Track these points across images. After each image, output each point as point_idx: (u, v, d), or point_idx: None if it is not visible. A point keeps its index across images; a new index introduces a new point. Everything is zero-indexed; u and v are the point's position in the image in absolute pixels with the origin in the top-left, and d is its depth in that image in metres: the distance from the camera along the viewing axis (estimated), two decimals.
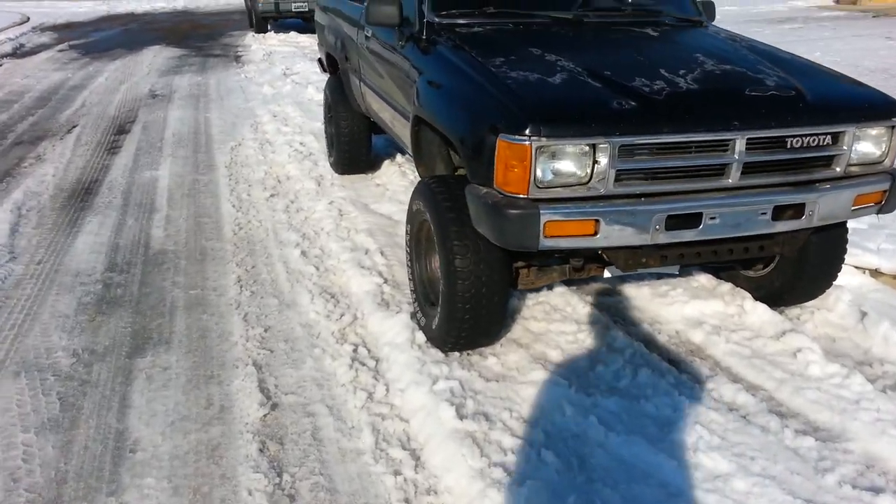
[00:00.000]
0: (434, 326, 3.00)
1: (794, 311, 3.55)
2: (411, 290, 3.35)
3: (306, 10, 15.48)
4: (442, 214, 2.79)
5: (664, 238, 2.53)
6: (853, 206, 2.77)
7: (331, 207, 4.89)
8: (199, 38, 15.72)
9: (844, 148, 2.67)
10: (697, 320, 3.41)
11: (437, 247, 2.85)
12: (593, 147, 2.40)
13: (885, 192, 2.81)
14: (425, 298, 3.21)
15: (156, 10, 23.43)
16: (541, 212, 2.38)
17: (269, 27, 15.79)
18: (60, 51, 13.82)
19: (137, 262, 4.17)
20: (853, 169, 2.74)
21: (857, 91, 2.84)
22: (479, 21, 3.36)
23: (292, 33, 15.30)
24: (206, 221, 4.78)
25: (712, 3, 3.86)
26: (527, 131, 2.35)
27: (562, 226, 2.42)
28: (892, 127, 2.73)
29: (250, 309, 3.58)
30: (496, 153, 2.43)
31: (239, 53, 13.21)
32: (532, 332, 3.28)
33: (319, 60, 6.52)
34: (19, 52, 13.55)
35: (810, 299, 3.51)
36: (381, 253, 4.13)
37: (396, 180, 5.43)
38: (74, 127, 7.59)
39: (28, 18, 19.25)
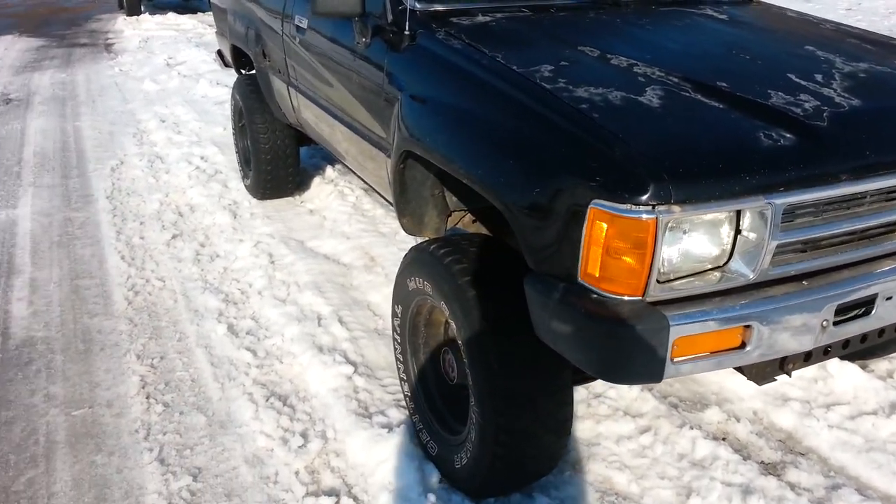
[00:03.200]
0: (461, 465, 2.01)
1: (881, 365, 2.81)
2: (406, 397, 2.35)
3: None
4: (473, 310, 1.80)
5: (830, 337, 1.66)
6: None
7: (257, 251, 3.76)
8: (60, 25, 13.65)
9: None
10: (778, 393, 2.60)
11: (466, 357, 1.86)
12: (737, 213, 1.48)
13: None
14: (434, 413, 2.22)
15: None
16: (671, 324, 1.44)
17: (142, 8, 13.93)
18: None
19: None
20: None
21: None
22: (481, 7, 2.35)
23: (171, 14, 13.53)
24: (87, 286, 3.53)
25: None
26: (647, 195, 1.39)
27: (697, 341, 1.50)
28: None
29: (166, 438, 2.45)
30: (585, 230, 1.46)
31: (110, 41, 11.44)
32: (581, 441, 2.36)
33: (219, 53, 5.28)
34: None
35: None
36: (340, 321, 3.07)
37: (334, 204, 4.34)
38: None
39: None
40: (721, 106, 1.65)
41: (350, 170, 4.68)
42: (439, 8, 2.38)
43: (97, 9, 16.07)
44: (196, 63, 8.74)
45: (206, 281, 3.52)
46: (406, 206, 2.40)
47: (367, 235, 3.89)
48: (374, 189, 3.16)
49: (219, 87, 7.42)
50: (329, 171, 4.85)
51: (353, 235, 3.90)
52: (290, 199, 4.50)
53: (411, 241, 3.74)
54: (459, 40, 2.11)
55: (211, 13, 14.23)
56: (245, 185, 4.58)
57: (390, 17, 2.43)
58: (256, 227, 4.09)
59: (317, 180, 4.73)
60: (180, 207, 4.44)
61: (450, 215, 2.50)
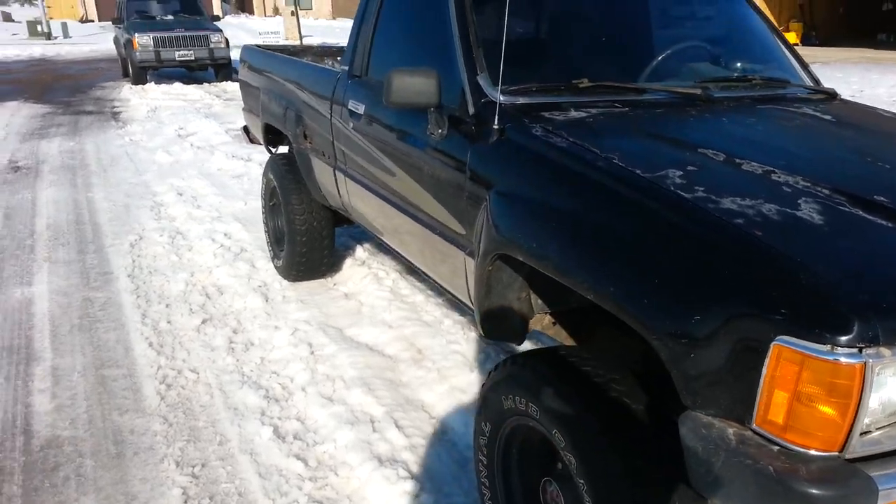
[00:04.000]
0: None
1: None
2: None
3: (192, 59, 14.02)
4: (604, 449, 1.59)
5: None
6: None
7: (295, 340, 3.55)
8: (64, 91, 13.71)
9: None
10: None
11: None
12: None
13: None
14: None
15: (8, 58, 20.84)
16: (879, 488, 1.24)
17: (147, 77, 14.05)
18: None
19: (14, 469, 2.64)
20: None
21: None
22: (571, 101, 2.24)
23: (177, 84, 13.64)
24: (113, 376, 3.29)
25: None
26: (852, 335, 1.22)
27: None
28: None
29: None
30: (766, 371, 1.29)
31: (117, 109, 11.45)
32: None
33: (245, 129, 5.19)
34: None
35: None
36: (396, 424, 2.84)
37: (370, 288, 4.15)
38: None
39: None
40: (890, 225, 1.51)
41: (383, 251, 4.53)
42: (524, 101, 2.27)
43: (100, 76, 16.24)
44: (208, 135, 8.70)
45: (244, 374, 3.29)
46: (488, 310, 2.22)
47: (410, 325, 3.69)
48: (427, 277, 2.98)
49: (234, 160, 7.33)
50: (360, 251, 4.69)
51: (395, 324, 3.70)
52: (322, 281, 4.32)
53: (460, 334, 3.58)
54: (561, 137, 1.98)
55: (217, 83, 14.37)
56: (275, 266, 4.40)
57: (472, 110, 2.32)
58: (291, 312, 3.88)
59: (348, 262, 4.56)
60: (207, 289, 4.24)
61: (531, 319, 2.32)
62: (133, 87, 13.59)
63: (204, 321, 3.81)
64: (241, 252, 4.77)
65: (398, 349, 3.47)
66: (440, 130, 2.42)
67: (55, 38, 29.72)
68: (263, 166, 4.53)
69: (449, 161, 2.39)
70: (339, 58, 5.35)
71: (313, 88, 3.71)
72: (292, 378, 3.23)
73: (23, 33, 30.67)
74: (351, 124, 3.19)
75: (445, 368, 3.25)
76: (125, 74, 15.21)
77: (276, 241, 4.39)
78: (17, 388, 3.18)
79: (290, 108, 3.98)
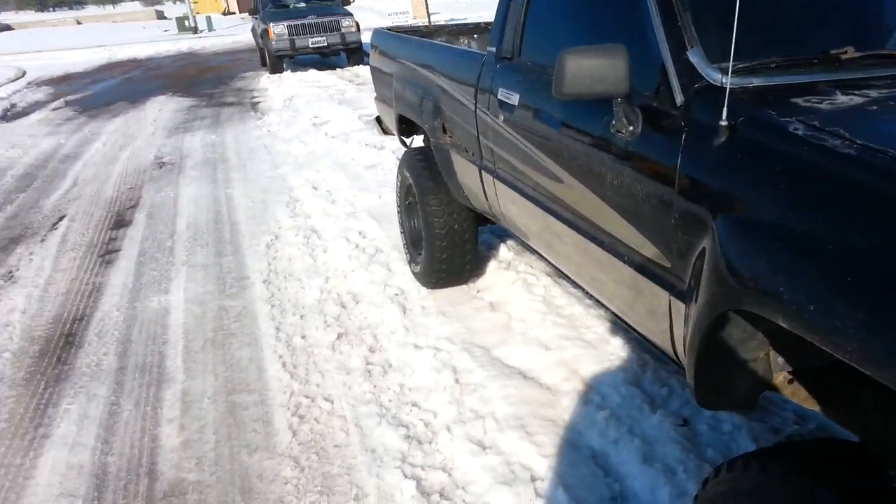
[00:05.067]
0: None
1: None
2: None
3: (325, 45, 14.05)
4: None
5: None
6: None
7: (437, 364, 3.10)
8: (208, 84, 14.17)
9: None
10: None
11: None
12: None
13: None
14: None
15: (159, 53, 22.09)
16: None
17: (284, 66, 14.24)
18: (55, 109, 12.27)
19: None
20: None
21: None
22: (831, 79, 1.59)
23: (311, 71, 13.72)
24: (244, 403, 3.00)
25: None
26: None
27: None
28: None
29: None
30: None
31: (256, 99, 11.60)
32: None
33: (378, 120, 4.79)
34: (10, 114, 12.00)
35: None
36: (563, 484, 2.31)
37: (519, 297, 3.63)
38: (61, 219, 5.90)
39: (24, 73, 17.88)
40: None
41: (531, 250, 3.99)
42: (759, 83, 1.63)
43: (241, 67, 16.72)
44: (342, 122, 8.50)
45: (382, 405, 2.88)
46: (709, 373, 1.62)
47: (570, 345, 3.13)
48: (591, 296, 2.40)
49: (368, 148, 7.03)
50: (504, 251, 4.19)
51: (552, 344, 3.16)
52: (464, 288, 3.85)
53: (632, 358, 2.98)
54: (840, 137, 1.33)
55: (349, 68, 14.33)
56: (412, 272, 3.98)
57: (680, 99, 1.71)
58: (431, 327, 3.45)
59: (492, 264, 4.06)
60: (342, 297, 3.90)
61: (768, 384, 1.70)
62: (270, 76, 13.82)
63: (339, 336, 3.46)
64: (375, 253, 4.40)
65: (557, 378, 2.93)
66: (631, 127, 1.83)
67: (201, 31, 31.35)
68: (396, 156, 4.11)
69: (646, 168, 1.80)
70: (475, 36, 4.84)
71: (453, 74, 3.21)
72: (436, 413, 2.78)
73: (173, 29, 32.65)
74: (501, 117, 2.66)
75: (617, 405, 2.68)
76: (263, 64, 15.55)
77: (413, 243, 3.97)
78: (145, 415, 2.97)
79: (426, 97, 3.52)
